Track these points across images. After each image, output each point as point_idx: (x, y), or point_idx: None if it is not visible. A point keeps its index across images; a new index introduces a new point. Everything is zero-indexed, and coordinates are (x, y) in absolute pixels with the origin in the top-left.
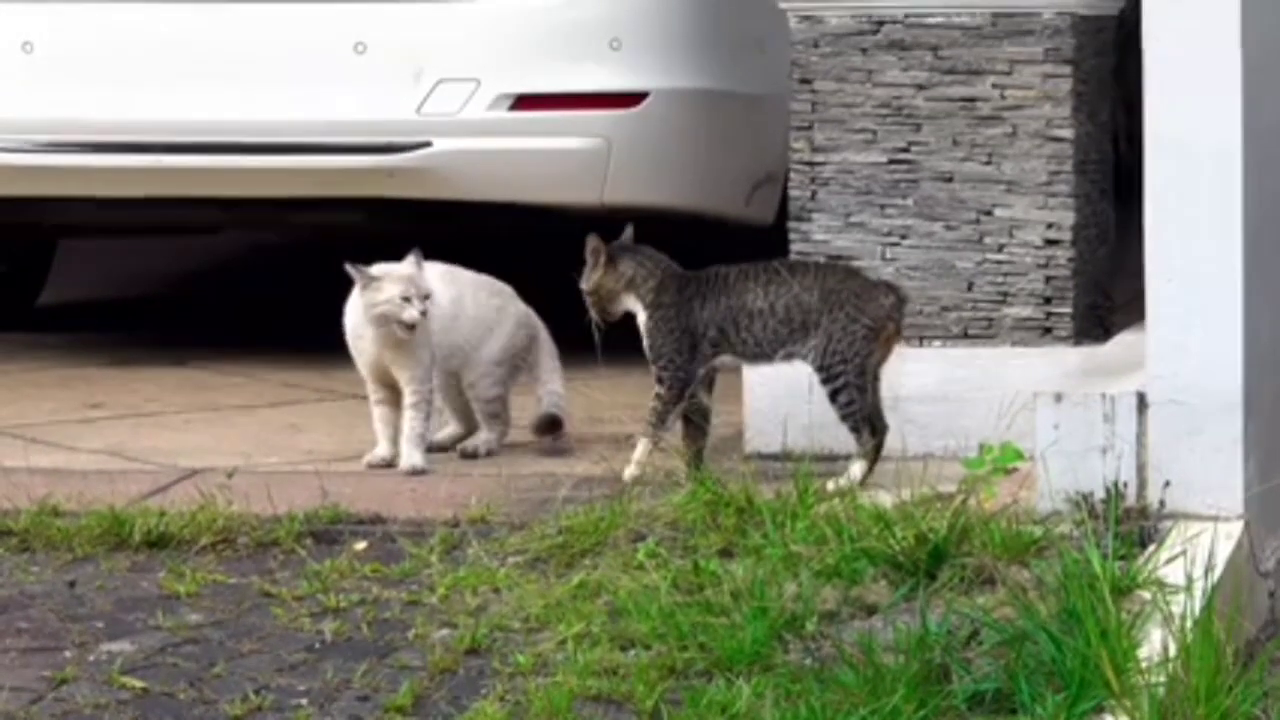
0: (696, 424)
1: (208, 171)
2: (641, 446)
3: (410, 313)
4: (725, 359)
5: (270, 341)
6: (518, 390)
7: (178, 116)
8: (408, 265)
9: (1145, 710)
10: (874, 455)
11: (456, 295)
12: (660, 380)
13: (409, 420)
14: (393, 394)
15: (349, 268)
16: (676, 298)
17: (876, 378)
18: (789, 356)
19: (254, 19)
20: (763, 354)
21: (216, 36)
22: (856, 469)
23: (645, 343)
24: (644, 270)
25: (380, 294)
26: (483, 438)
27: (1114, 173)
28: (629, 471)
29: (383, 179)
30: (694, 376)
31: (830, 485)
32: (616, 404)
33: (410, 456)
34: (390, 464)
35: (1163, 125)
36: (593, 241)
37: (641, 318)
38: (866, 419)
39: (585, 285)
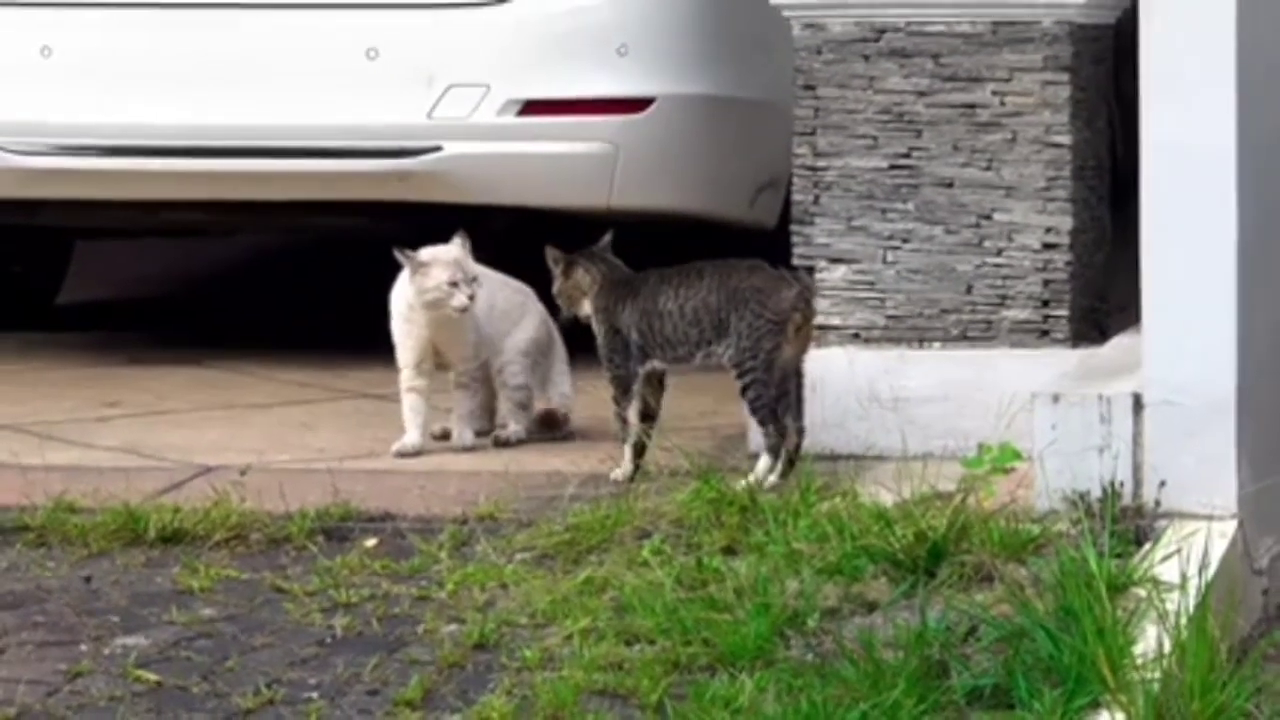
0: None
1: (222, 175)
2: (625, 451)
3: (459, 299)
4: (655, 364)
5: (284, 342)
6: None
7: (192, 121)
8: (454, 248)
9: (1140, 706)
10: (789, 459)
11: (488, 290)
12: (610, 382)
13: (459, 400)
14: (427, 383)
15: (397, 253)
16: (607, 300)
17: (798, 373)
18: (708, 359)
19: (268, 25)
20: (679, 357)
21: (231, 42)
22: (764, 463)
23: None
24: (589, 276)
25: (429, 280)
26: (512, 427)
27: (1111, 177)
28: (615, 474)
29: (394, 183)
30: (634, 375)
31: (741, 483)
32: None
33: (463, 435)
34: (419, 452)
35: (1158, 130)
36: (552, 253)
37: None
38: (773, 413)
39: (554, 292)
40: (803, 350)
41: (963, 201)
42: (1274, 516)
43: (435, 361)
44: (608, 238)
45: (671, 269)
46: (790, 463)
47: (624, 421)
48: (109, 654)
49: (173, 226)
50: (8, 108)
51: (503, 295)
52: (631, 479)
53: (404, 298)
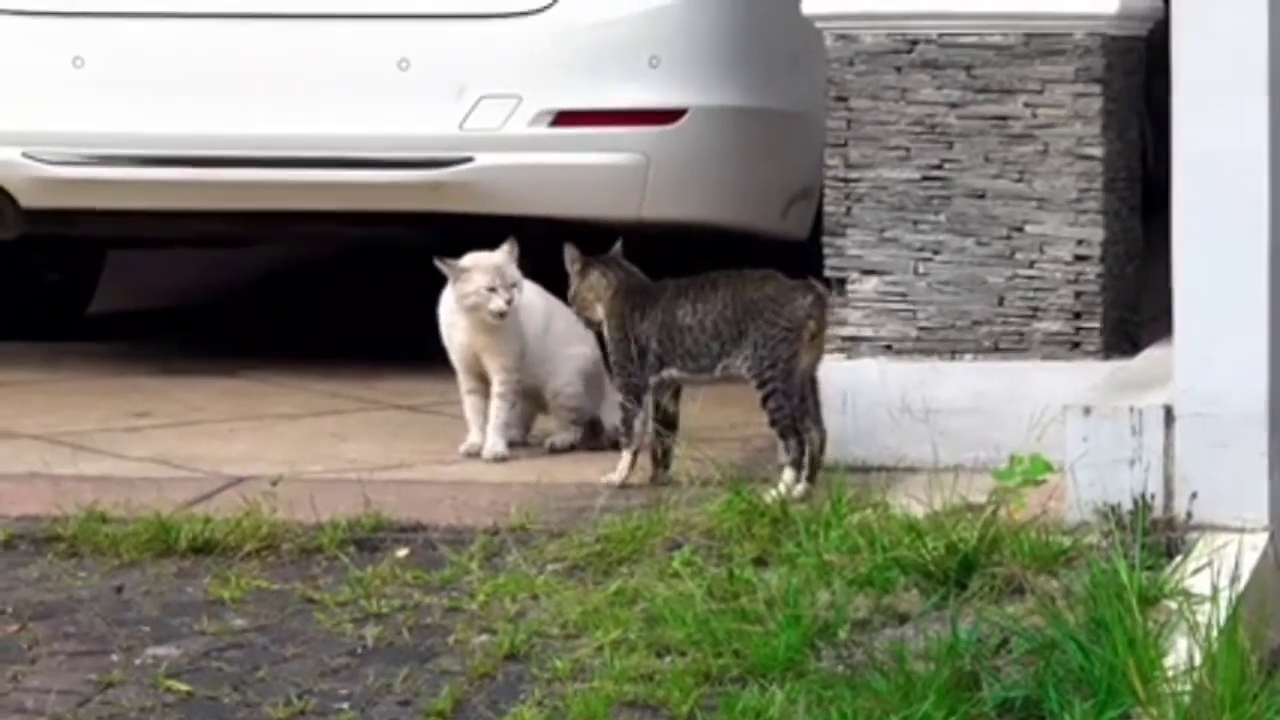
0: (660, 430)
1: (254, 185)
2: (624, 457)
3: (496, 303)
4: (673, 373)
5: (314, 352)
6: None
7: (225, 131)
8: (498, 254)
9: (1171, 717)
10: (813, 464)
11: (548, 308)
12: (621, 389)
13: (495, 409)
14: (484, 385)
15: (438, 262)
16: (624, 308)
17: (813, 380)
18: (727, 370)
19: (300, 36)
20: (700, 369)
21: (263, 52)
22: (788, 476)
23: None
24: (605, 281)
25: (469, 284)
26: (560, 435)
27: (1142, 189)
28: (608, 478)
29: (426, 193)
30: (646, 384)
31: (769, 497)
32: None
33: (494, 445)
34: (481, 451)
35: (1190, 142)
36: (570, 253)
37: (604, 327)
38: (794, 426)
39: (569, 294)
40: (817, 358)
41: (994, 213)
42: None
43: (478, 371)
44: (618, 245)
45: (685, 279)
46: (814, 466)
47: (630, 428)
48: (140, 664)
49: (204, 236)
50: (41, 118)
51: (563, 315)
52: (624, 484)
53: (447, 306)
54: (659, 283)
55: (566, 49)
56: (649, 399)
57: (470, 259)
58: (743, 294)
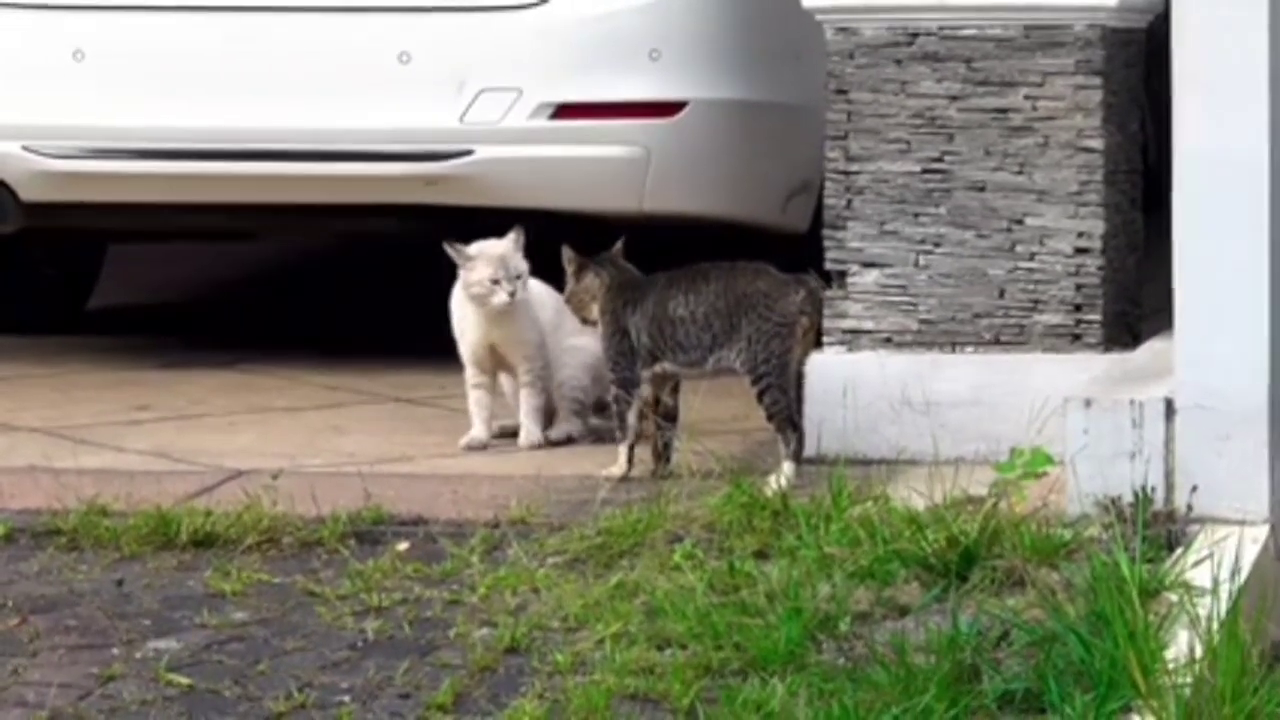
0: (660, 424)
1: (254, 178)
2: (620, 451)
3: (500, 297)
4: (666, 366)
5: (315, 345)
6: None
7: (224, 124)
8: (504, 243)
9: (1172, 710)
10: (798, 456)
11: (559, 305)
12: (614, 383)
13: (525, 397)
14: (491, 379)
15: (447, 246)
16: (615, 303)
17: (799, 376)
18: (719, 363)
19: (300, 28)
20: (692, 362)
21: (263, 46)
22: (788, 468)
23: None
24: (599, 280)
25: (473, 274)
26: (563, 427)
27: (1143, 181)
28: (607, 472)
29: (425, 186)
30: (638, 379)
31: (769, 490)
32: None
33: (531, 432)
34: (484, 447)
35: (1191, 136)
36: (566, 253)
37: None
38: (791, 420)
39: (565, 295)
40: (805, 353)
41: (995, 206)
42: None
43: (496, 364)
44: (619, 244)
45: (677, 272)
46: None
47: (624, 422)
48: (141, 657)
49: (204, 230)
50: (40, 111)
51: (570, 313)
52: (625, 477)
53: (459, 296)
54: (650, 276)
55: (567, 42)
56: (642, 392)
57: (476, 248)
58: (735, 287)
